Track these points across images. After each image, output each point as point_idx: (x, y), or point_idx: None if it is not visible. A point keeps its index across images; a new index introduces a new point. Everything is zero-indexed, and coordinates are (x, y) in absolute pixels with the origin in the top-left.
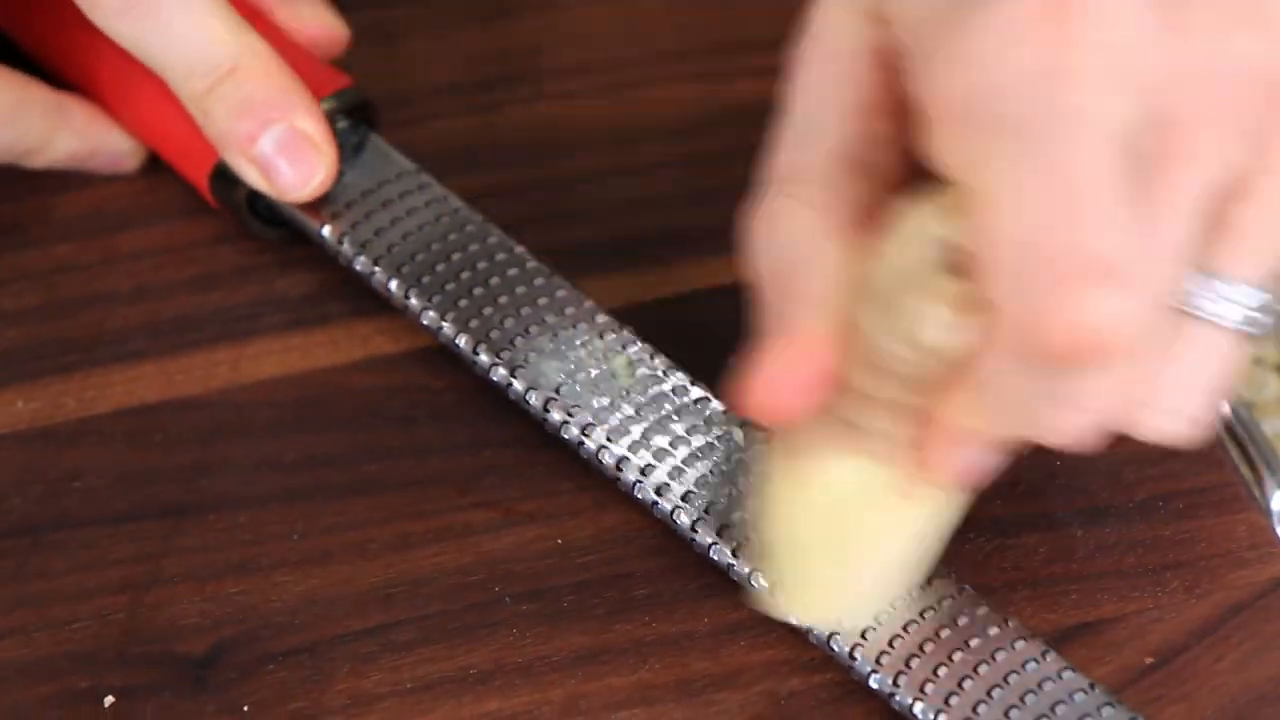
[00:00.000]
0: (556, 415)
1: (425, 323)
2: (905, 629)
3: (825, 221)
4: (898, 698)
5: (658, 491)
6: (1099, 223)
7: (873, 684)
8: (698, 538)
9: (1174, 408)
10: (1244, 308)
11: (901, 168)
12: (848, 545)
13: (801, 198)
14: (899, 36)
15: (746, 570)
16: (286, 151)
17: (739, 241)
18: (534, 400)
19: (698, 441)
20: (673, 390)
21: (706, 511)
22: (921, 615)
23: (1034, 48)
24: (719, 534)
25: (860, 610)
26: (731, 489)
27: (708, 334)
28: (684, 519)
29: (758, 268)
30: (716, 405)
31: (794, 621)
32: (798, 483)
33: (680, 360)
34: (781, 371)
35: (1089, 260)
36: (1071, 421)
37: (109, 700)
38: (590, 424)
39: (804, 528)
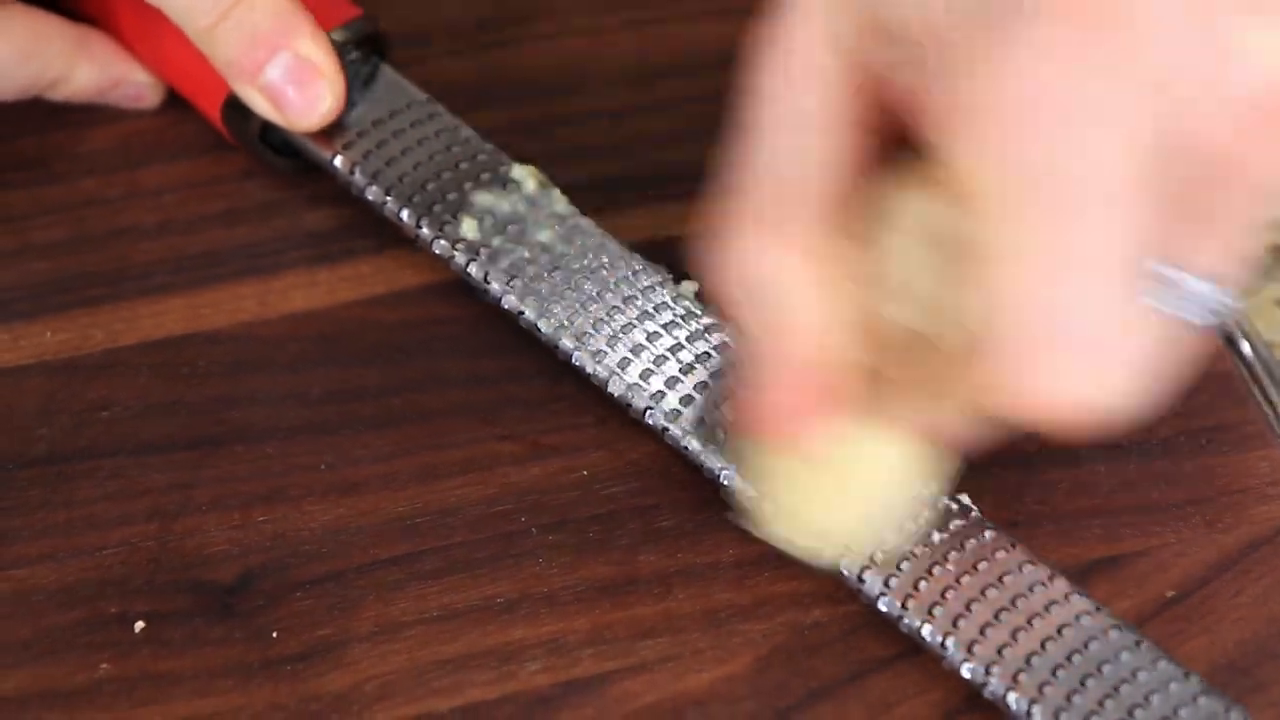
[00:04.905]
0: (568, 343)
1: (437, 251)
2: (913, 553)
3: (817, 270)
4: (906, 620)
5: (668, 418)
6: (1087, 296)
7: (881, 606)
8: (706, 463)
9: (1118, 386)
10: (1207, 306)
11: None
12: (838, 487)
13: (790, 244)
14: (911, 41)
15: (747, 492)
16: (294, 79)
17: (705, 265)
18: (545, 328)
19: (711, 368)
20: (684, 318)
21: (714, 437)
22: (929, 539)
23: (1065, 71)
24: (726, 458)
25: (847, 545)
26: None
27: None
28: (694, 445)
29: (741, 305)
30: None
31: (782, 546)
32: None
33: (699, 297)
34: (785, 399)
35: (1068, 333)
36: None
37: (139, 625)
38: (601, 351)
39: (797, 468)
